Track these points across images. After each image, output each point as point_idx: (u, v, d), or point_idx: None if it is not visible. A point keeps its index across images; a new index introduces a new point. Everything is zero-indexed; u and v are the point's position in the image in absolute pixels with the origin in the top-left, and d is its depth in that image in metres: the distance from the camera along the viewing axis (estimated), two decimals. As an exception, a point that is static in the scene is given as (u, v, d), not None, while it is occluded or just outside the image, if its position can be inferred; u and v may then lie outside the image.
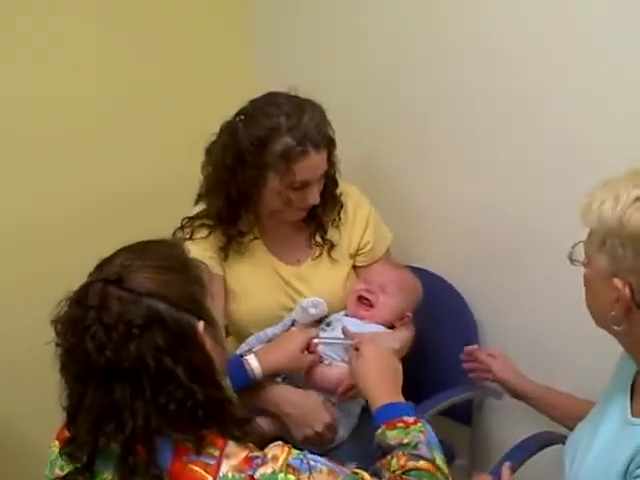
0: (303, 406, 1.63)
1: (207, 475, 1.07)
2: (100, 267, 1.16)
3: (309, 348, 1.62)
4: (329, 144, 1.68)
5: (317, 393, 1.65)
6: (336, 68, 2.19)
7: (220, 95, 2.14)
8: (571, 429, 1.43)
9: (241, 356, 1.59)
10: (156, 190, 2.26)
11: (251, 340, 1.75)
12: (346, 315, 1.77)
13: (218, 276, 1.78)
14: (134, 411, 1.07)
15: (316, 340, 1.63)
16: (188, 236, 1.77)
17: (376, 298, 1.74)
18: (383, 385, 1.40)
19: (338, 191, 1.81)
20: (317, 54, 2.26)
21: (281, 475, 1.08)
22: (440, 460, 1.24)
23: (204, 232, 1.77)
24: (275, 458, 1.11)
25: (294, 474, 1.10)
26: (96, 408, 1.09)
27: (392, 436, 1.27)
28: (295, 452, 1.14)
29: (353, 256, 1.85)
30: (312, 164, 1.64)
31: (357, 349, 1.50)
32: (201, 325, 1.14)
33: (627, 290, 1.11)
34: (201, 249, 1.74)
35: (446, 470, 1.24)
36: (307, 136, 1.61)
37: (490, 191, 1.87)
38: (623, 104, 1.54)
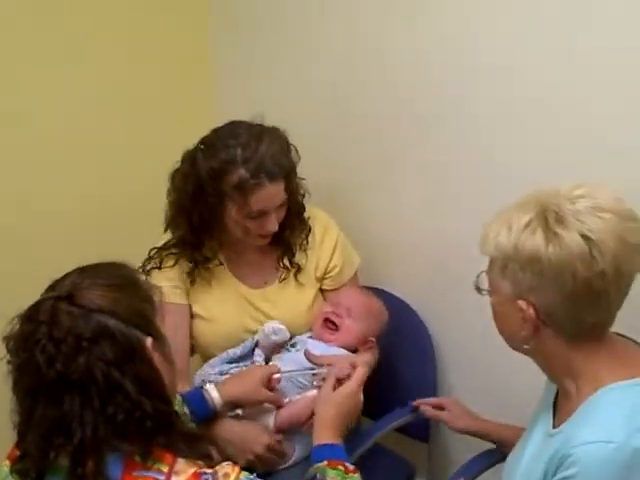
0: (242, 431, 1.63)
1: None
2: (52, 287, 1.19)
3: (270, 384, 1.63)
4: (287, 174, 1.70)
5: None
6: (299, 96, 2.22)
7: (181, 120, 2.25)
8: None
9: (201, 387, 1.60)
10: (121, 207, 2.29)
11: (214, 361, 1.78)
12: (310, 337, 1.79)
13: (183, 305, 1.82)
14: (83, 422, 1.09)
15: (277, 375, 1.63)
16: (157, 266, 1.79)
17: (342, 321, 1.77)
18: (340, 425, 1.45)
19: (306, 215, 1.84)
20: (280, 82, 2.28)
21: None
22: None
23: (171, 261, 1.80)
24: (227, 476, 1.13)
25: None
26: (46, 422, 1.10)
27: (331, 474, 1.32)
28: (245, 473, 1.16)
29: (320, 279, 1.88)
30: (267, 195, 1.67)
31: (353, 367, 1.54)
32: (149, 341, 1.17)
33: (531, 310, 1.18)
34: (167, 279, 1.78)
35: None
36: (261, 168, 1.64)
37: (447, 222, 1.91)
38: (581, 137, 1.58)
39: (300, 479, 1.50)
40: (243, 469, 1.17)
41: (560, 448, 1.14)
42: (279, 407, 1.66)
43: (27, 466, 1.12)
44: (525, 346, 1.23)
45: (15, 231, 2.11)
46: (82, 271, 1.20)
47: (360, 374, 1.54)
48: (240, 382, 1.63)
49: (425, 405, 1.75)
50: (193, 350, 1.89)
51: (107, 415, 1.10)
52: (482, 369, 1.90)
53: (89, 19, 2.16)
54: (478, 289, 1.29)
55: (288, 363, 1.71)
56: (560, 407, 1.27)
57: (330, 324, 1.78)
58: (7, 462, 1.19)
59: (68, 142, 2.19)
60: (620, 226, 1.15)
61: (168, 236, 1.82)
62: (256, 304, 1.83)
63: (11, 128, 2.07)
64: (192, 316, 1.84)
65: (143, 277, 1.32)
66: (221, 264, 1.83)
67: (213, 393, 1.57)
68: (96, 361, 1.10)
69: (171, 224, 1.79)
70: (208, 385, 1.59)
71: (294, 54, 2.22)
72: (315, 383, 1.65)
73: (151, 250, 1.82)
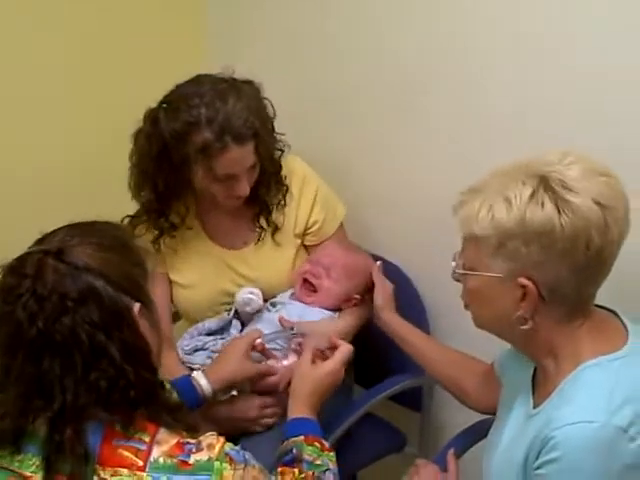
0: (231, 405, 1.60)
1: (138, 460, 1.07)
2: (41, 240, 1.16)
3: (256, 349, 1.59)
4: (256, 134, 1.60)
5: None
6: (291, 50, 2.17)
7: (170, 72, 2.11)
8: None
9: (188, 375, 1.55)
10: (100, 165, 2.20)
11: (192, 331, 1.75)
12: (292, 297, 1.75)
13: (161, 273, 1.78)
14: (64, 387, 1.07)
15: (259, 341, 1.59)
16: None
17: (320, 283, 1.71)
18: (316, 402, 1.43)
19: (283, 173, 1.76)
20: (270, 36, 2.24)
21: (217, 463, 1.09)
22: None
23: (143, 229, 1.75)
24: (211, 446, 1.11)
25: (230, 464, 1.11)
26: (24, 381, 1.08)
27: (308, 451, 1.30)
28: (230, 444, 1.15)
29: (300, 236, 1.81)
30: (234, 158, 1.58)
31: (331, 348, 1.50)
32: (137, 307, 1.14)
33: (532, 287, 1.13)
34: None
35: None
36: (227, 129, 1.55)
37: (442, 182, 1.83)
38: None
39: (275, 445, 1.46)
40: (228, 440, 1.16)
41: (542, 429, 1.11)
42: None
43: (4, 427, 1.09)
44: (523, 327, 1.16)
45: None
46: (73, 228, 1.17)
47: (344, 353, 1.49)
48: (225, 363, 1.57)
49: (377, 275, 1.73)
50: (178, 316, 1.88)
51: (89, 382, 1.07)
52: (475, 332, 1.83)
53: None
54: (457, 276, 1.23)
55: (267, 324, 1.68)
56: (539, 386, 1.24)
57: (309, 285, 1.72)
58: None
59: (51, 95, 2.12)
60: (622, 189, 1.12)
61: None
62: (234, 267, 1.78)
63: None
64: (171, 283, 1.81)
65: (138, 241, 1.27)
66: (189, 228, 1.77)
67: (201, 380, 1.52)
68: (81, 323, 1.07)
69: (134, 189, 1.71)
70: (195, 373, 1.54)
71: (290, 19, 2.16)
72: (293, 346, 1.62)
73: (123, 219, 1.75)
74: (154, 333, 1.19)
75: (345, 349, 1.50)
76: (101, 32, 2.16)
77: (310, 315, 1.68)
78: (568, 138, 1.50)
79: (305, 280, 1.73)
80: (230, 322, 1.76)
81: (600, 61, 1.49)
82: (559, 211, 1.08)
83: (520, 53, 1.62)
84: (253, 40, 2.29)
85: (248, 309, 1.71)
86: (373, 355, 1.83)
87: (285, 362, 1.60)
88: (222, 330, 1.75)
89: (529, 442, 1.15)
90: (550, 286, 1.13)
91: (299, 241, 1.81)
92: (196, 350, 1.73)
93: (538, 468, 1.11)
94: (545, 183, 1.10)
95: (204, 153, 1.56)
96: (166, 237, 1.75)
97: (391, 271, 1.90)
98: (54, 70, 2.11)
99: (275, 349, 1.64)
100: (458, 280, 1.25)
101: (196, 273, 1.78)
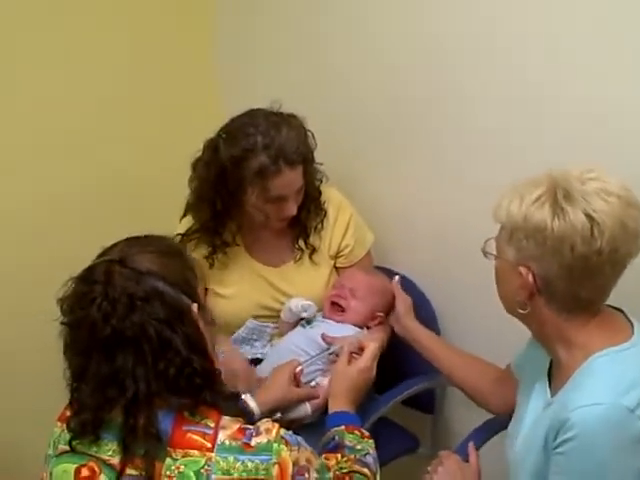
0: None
1: (206, 442, 1.19)
2: (102, 254, 1.29)
3: (296, 378, 1.68)
4: (305, 160, 1.79)
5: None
6: (306, 81, 2.27)
7: (184, 113, 2.36)
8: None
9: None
10: (121, 193, 2.37)
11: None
12: (323, 316, 1.89)
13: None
14: (136, 377, 1.18)
15: (298, 369, 1.69)
16: None
17: (347, 303, 1.86)
18: (354, 397, 1.57)
19: (322, 199, 1.92)
20: (284, 67, 2.34)
21: (275, 445, 1.22)
22: (379, 477, 1.42)
23: (192, 247, 1.89)
24: (268, 431, 1.24)
25: (286, 445, 1.24)
26: (100, 376, 1.19)
27: (349, 438, 1.43)
28: (284, 429, 1.27)
29: (333, 258, 1.98)
30: (286, 181, 1.76)
31: (361, 349, 1.64)
32: (195, 307, 1.27)
33: (530, 277, 1.28)
34: None
35: None
36: (281, 154, 1.72)
37: (449, 203, 1.98)
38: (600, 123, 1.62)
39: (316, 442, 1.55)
40: None
41: (558, 414, 1.24)
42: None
43: (84, 419, 1.20)
44: (520, 310, 1.32)
45: (30, 215, 2.18)
46: (130, 240, 1.31)
47: (373, 350, 1.64)
48: (272, 388, 1.66)
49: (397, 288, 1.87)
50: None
51: (159, 370, 1.19)
52: (486, 343, 1.91)
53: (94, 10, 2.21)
54: (485, 253, 1.38)
55: (302, 341, 1.81)
56: (554, 377, 1.37)
57: (337, 306, 1.87)
58: (59, 423, 1.28)
59: (81, 133, 2.26)
60: (623, 211, 1.23)
61: (184, 224, 1.92)
62: (274, 282, 1.93)
63: (27, 117, 2.14)
64: (210, 295, 1.92)
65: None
66: (237, 245, 1.92)
67: (251, 403, 1.59)
68: (149, 319, 1.19)
69: (193, 210, 1.88)
70: (244, 396, 1.60)
71: (299, 43, 2.27)
72: (326, 367, 1.75)
73: (174, 237, 1.87)
74: (208, 331, 1.31)
75: (372, 346, 1.65)
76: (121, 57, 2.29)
77: (344, 332, 1.80)
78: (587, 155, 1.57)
79: (333, 303, 1.87)
80: (252, 332, 1.90)
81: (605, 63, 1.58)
82: (553, 215, 1.24)
83: (544, 68, 1.68)
84: (264, 63, 2.41)
85: (305, 314, 1.85)
86: (386, 359, 1.88)
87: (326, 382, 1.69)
88: (244, 340, 1.91)
89: (547, 426, 1.27)
90: (544, 279, 1.27)
91: (333, 262, 1.98)
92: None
93: (557, 447, 1.24)
94: (552, 190, 1.26)
95: (260, 176, 1.73)
96: (219, 254, 1.90)
97: (406, 287, 1.97)
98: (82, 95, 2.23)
99: (317, 370, 1.75)
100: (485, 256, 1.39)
101: (235, 286, 1.93)
